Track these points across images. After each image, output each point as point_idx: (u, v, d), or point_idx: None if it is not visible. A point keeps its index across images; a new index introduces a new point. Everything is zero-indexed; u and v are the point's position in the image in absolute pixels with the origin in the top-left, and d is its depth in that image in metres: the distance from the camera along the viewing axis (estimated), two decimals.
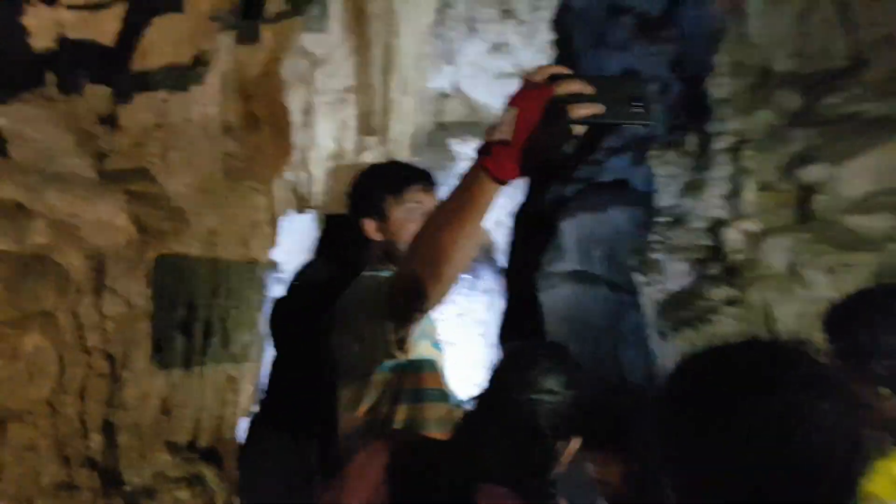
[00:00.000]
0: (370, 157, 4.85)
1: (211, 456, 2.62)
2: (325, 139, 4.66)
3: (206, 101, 2.66)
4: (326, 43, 4.60)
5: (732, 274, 7.06)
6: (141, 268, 1.93)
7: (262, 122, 3.49)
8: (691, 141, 8.38)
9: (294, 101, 4.51)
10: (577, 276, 13.53)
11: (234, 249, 2.92)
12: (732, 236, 7.14)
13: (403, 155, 5.09)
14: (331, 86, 4.62)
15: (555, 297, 13.77)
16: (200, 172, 2.71)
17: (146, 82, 2.32)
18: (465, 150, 7.28)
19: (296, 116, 4.52)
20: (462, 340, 7.79)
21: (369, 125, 4.67)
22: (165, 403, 2.45)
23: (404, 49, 4.86)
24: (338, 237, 2.33)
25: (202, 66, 2.55)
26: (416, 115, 5.15)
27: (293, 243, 8.79)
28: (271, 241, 3.25)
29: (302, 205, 4.76)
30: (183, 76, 2.47)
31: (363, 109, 4.61)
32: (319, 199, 4.77)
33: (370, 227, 1.76)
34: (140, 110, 2.33)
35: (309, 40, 4.58)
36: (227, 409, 3.09)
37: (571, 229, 13.51)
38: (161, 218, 2.17)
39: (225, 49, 2.72)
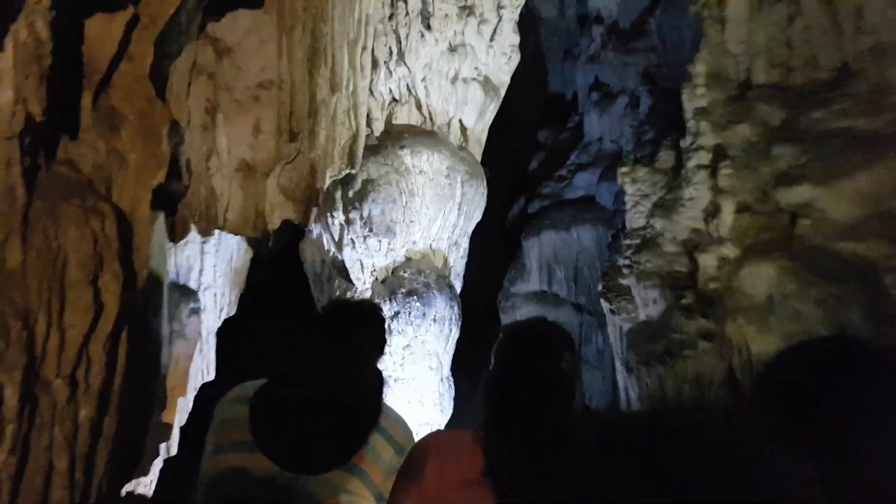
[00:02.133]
0: (291, 169, 4.03)
1: None
2: (234, 146, 3.82)
3: None
4: (237, 26, 3.78)
5: (708, 304, 6.39)
6: None
7: (123, 121, 2.65)
8: (664, 157, 7.75)
9: (193, 99, 3.67)
10: (540, 297, 12.93)
11: (47, 294, 2.07)
12: (708, 262, 6.48)
13: (335, 167, 4.28)
14: (242, 80, 3.79)
15: (515, 318, 13.22)
16: None
17: None
18: (418, 163, 6.49)
19: (196, 117, 3.68)
20: (411, 376, 6.96)
21: (291, 130, 3.84)
22: None
23: (336, 38, 4.06)
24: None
25: None
26: (352, 120, 4.35)
27: (216, 268, 7.87)
28: (121, 282, 2.38)
29: (205, 226, 3.90)
30: None
31: (283, 110, 3.78)
32: (227, 220, 3.92)
33: None
34: None
35: (215, 23, 3.75)
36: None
37: (535, 248, 12.93)
38: None
39: (30, 7, 1.88)
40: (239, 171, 3.84)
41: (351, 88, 4.23)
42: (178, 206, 3.98)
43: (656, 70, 11.02)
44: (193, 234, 6.04)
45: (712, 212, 6.63)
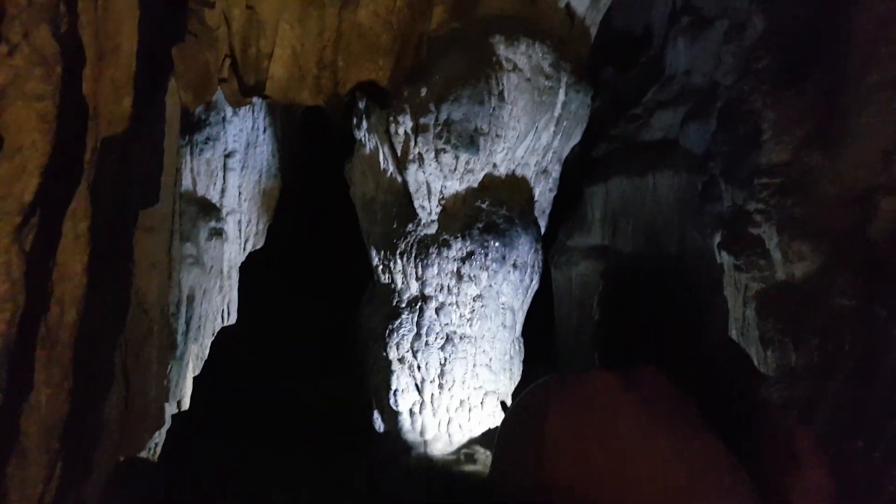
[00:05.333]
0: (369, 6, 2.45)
1: None
2: None
3: None
4: None
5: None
6: None
7: None
8: (812, 77, 6.08)
9: None
10: (601, 253, 11.41)
11: None
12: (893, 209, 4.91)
13: None
14: None
15: (570, 277, 11.87)
16: None
17: None
18: (513, 56, 4.90)
19: None
20: (479, 334, 5.51)
21: None
22: None
23: None
24: None
25: None
26: None
27: (241, 189, 6.34)
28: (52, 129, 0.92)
29: (237, 88, 2.38)
30: None
31: None
32: (274, 76, 2.39)
33: None
34: None
35: None
36: None
37: (599, 196, 11.38)
38: None
39: None
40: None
41: None
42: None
43: None
44: (216, 129, 4.57)
45: None
